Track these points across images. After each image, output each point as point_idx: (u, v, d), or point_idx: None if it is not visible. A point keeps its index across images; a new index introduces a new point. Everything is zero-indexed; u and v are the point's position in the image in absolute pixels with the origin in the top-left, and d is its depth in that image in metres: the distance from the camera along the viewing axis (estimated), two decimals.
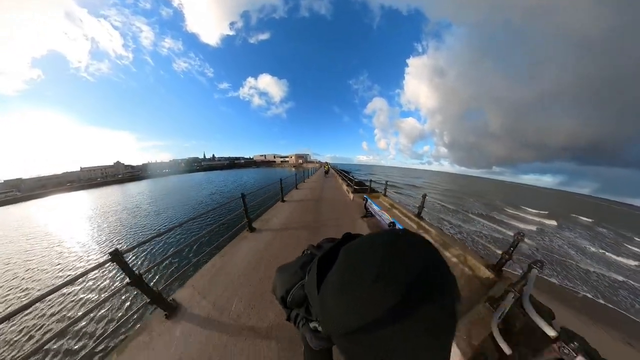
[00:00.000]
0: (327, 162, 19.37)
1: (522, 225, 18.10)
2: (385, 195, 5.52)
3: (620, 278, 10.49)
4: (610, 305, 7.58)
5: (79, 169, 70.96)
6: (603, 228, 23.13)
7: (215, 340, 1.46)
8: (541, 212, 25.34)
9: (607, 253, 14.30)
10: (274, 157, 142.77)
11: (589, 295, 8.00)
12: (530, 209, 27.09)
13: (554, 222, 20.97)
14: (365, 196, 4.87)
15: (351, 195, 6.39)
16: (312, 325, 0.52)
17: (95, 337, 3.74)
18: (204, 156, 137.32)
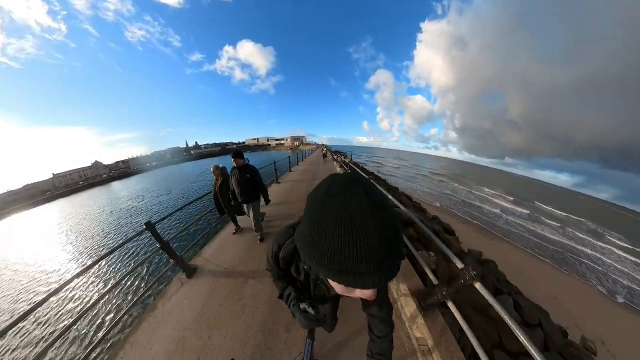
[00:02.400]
0: (324, 145, 20.02)
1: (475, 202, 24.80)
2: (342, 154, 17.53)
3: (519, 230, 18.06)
4: (484, 226, 15.86)
5: (51, 176, 71.15)
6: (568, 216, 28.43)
7: (227, 291, 2.07)
8: (509, 197, 31.13)
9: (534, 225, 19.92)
10: (267, 140, 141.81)
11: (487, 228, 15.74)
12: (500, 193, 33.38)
13: (514, 206, 26.62)
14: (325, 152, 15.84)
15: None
16: (302, 306, 0.63)
17: (133, 293, 5.89)
18: (187, 145, 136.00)
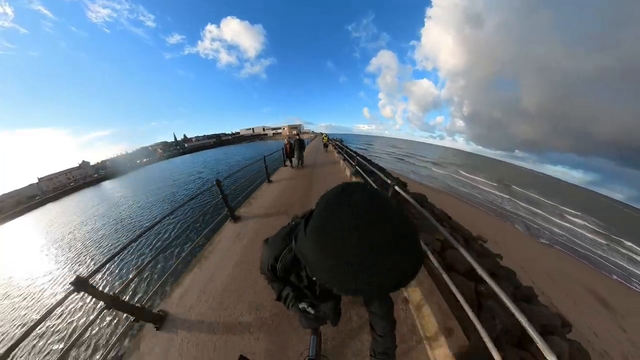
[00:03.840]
0: (325, 134, 19.09)
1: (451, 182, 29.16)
2: (339, 141, 14.72)
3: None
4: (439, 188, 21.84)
5: (36, 181, 71.22)
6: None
7: (209, 341, 1.70)
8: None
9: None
10: (264, 129, 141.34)
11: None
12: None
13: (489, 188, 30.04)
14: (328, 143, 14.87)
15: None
16: (301, 306, 0.64)
17: None
18: (175, 138, 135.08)
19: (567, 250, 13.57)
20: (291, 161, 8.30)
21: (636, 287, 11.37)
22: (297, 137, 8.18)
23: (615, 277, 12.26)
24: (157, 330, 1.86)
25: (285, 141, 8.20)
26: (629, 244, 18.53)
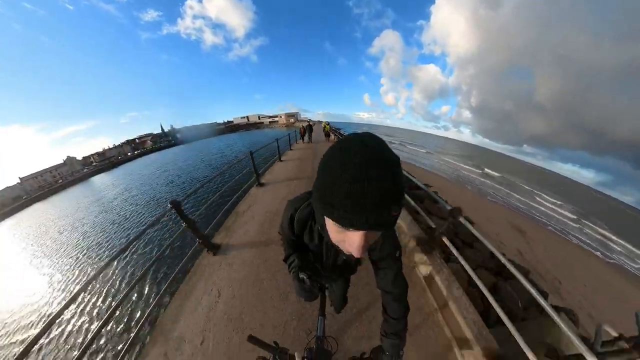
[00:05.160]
0: (326, 122, 19.88)
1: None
2: (336, 129, 17.24)
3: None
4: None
5: (18, 182, 70.27)
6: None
7: (250, 264, 2.36)
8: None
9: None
10: (259, 117, 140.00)
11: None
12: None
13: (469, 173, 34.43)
14: (328, 131, 15.48)
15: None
16: (301, 275, 0.70)
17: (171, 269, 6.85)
18: (162, 129, 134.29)
19: (511, 208, 17.71)
20: (303, 138, 14.08)
21: (569, 238, 15.58)
22: (309, 123, 14.73)
23: (550, 227, 16.30)
24: (213, 255, 2.53)
25: (301, 126, 14.31)
26: (606, 233, 20.97)
